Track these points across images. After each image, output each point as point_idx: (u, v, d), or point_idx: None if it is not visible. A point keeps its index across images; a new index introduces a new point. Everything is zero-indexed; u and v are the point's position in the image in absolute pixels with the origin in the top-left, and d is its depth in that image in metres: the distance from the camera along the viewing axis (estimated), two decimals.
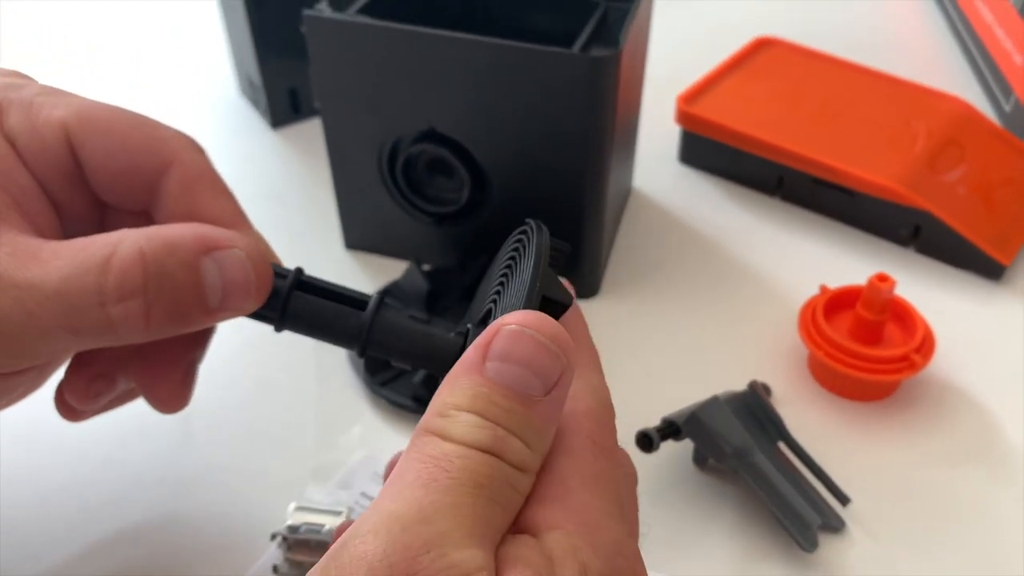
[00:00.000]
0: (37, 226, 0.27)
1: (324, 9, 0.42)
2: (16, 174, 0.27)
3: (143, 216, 0.30)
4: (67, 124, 0.28)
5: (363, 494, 0.38)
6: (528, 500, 0.21)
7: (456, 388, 0.21)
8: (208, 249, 0.25)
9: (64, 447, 0.39)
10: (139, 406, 0.32)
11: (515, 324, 0.21)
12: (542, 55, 0.39)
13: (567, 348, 0.21)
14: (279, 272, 0.28)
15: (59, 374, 0.31)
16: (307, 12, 0.42)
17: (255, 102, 0.61)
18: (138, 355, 0.29)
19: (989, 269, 0.48)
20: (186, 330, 0.26)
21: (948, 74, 0.64)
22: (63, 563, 0.35)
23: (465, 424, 0.20)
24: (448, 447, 0.20)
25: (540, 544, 0.20)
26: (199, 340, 0.31)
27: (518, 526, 0.21)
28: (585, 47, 0.44)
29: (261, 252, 0.27)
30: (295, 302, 0.27)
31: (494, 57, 0.40)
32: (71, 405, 0.30)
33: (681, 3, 0.71)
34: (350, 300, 0.28)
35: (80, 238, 0.26)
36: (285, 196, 0.55)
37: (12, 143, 0.28)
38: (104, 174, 0.28)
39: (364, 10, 0.44)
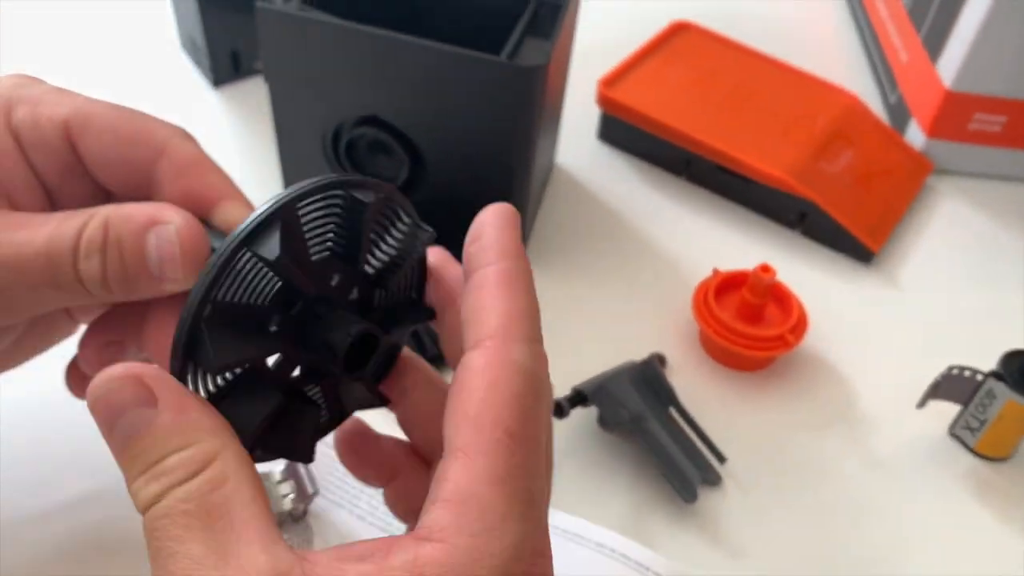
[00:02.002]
0: (28, 209, 0.31)
1: (276, 1, 0.45)
2: (13, 164, 0.31)
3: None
4: (67, 120, 0.31)
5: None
6: (433, 502, 0.23)
7: None
8: (154, 222, 0.29)
9: (57, 435, 0.43)
10: None
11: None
12: (475, 60, 0.43)
13: (135, 371, 0.24)
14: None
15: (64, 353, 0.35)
16: (259, 4, 0.44)
17: (197, 61, 0.63)
18: (149, 323, 0.31)
19: (861, 254, 0.55)
20: (141, 293, 0.30)
21: (849, 66, 0.70)
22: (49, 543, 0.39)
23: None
24: None
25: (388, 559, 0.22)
26: None
27: (418, 530, 0.23)
28: (519, 42, 0.48)
29: (195, 228, 0.29)
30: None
31: (431, 58, 0.44)
32: (81, 379, 0.33)
33: None
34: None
35: (68, 211, 0.30)
36: (227, 157, 0.56)
37: (16, 136, 0.31)
38: (102, 165, 0.31)
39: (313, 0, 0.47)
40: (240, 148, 0.58)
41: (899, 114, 0.63)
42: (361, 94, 0.47)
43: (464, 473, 0.23)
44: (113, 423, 0.24)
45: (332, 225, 0.27)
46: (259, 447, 0.27)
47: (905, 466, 0.46)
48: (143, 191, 0.32)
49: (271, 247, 0.24)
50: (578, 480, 0.44)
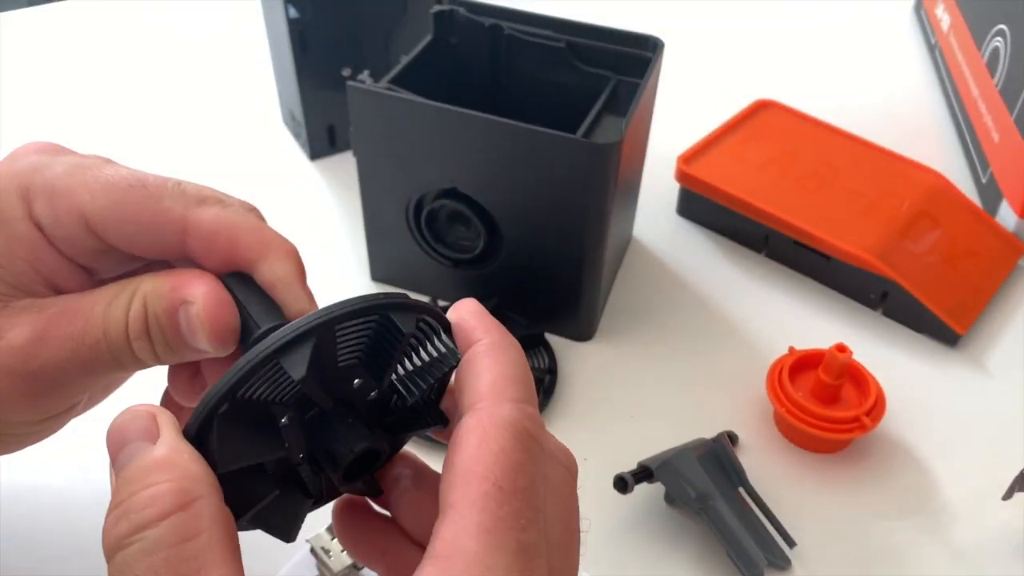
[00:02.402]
0: (71, 288, 0.32)
1: (365, 79, 0.48)
2: (44, 254, 0.31)
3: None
4: (86, 215, 0.30)
5: None
6: (425, 559, 0.23)
7: None
8: (179, 302, 0.30)
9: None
10: None
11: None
12: (551, 138, 0.45)
13: (151, 409, 0.25)
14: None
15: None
16: (350, 83, 0.47)
17: (296, 134, 0.66)
18: (203, 363, 0.33)
19: (945, 336, 0.53)
20: (189, 359, 0.31)
21: (938, 146, 0.69)
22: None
23: None
24: None
25: None
26: None
27: None
28: (596, 119, 0.50)
29: (216, 303, 0.29)
30: None
31: (508, 135, 0.46)
32: (178, 410, 0.34)
33: (692, 64, 0.76)
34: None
35: (107, 287, 0.31)
36: (319, 224, 0.61)
37: (40, 228, 0.31)
38: (129, 248, 0.32)
39: (399, 77, 0.49)
40: (332, 217, 0.61)
41: (990, 194, 0.62)
42: (442, 167, 0.49)
43: (452, 527, 0.23)
44: (116, 453, 0.24)
45: (365, 339, 0.27)
46: (245, 519, 0.27)
47: (988, 560, 0.44)
48: (175, 257, 0.32)
49: (299, 367, 0.24)
50: (642, 555, 0.43)
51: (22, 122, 0.68)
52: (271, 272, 0.30)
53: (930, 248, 0.56)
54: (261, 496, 0.27)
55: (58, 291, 0.32)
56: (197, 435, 0.25)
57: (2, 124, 0.68)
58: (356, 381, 0.27)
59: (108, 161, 0.32)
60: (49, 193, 0.30)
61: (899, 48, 0.82)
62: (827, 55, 0.81)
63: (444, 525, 0.23)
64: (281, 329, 0.25)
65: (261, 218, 0.32)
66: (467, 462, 0.24)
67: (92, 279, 0.33)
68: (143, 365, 0.31)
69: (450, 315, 0.28)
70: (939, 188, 0.59)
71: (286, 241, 0.31)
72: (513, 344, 0.27)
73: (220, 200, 0.31)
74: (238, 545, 0.24)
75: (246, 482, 0.26)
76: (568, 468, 0.27)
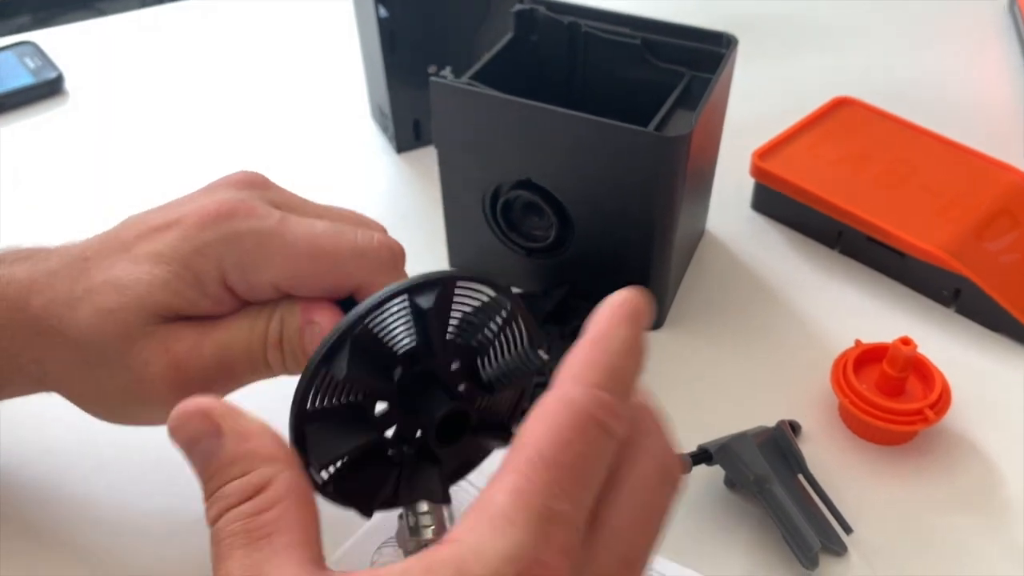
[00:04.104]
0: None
1: (447, 75, 0.51)
2: (226, 305, 0.37)
3: None
4: (276, 284, 0.36)
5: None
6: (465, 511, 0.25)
7: None
8: (308, 323, 0.36)
9: None
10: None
11: None
12: (623, 131, 0.47)
13: (201, 405, 0.28)
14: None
15: None
16: (433, 78, 0.50)
17: (384, 128, 0.70)
18: None
19: (1019, 335, 0.53)
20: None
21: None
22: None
23: None
24: None
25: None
26: None
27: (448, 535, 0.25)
28: (669, 113, 0.51)
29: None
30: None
31: (582, 128, 0.48)
32: None
33: (775, 60, 0.77)
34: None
35: (250, 309, 0.37)
36: (403, 213, 0.64)
37: (232, 292, 0.37)
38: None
39: (480, 73, 0.52)
40: (416, 208, 0.64)
41: None
42: (518, 160, 0.51)
43: (491, 487, 0.25)
44: (191, 451, 0.28)
45: (406, 323, 0.30)
46: (333, 483, 0.30)
47: None
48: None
49: (341, 365, 0.28)
50: (698, 535, 0.45)
51: (135, 117, 0.74)
52: None
53: (1008, 247, 0.55)
54: (355, 451, 0.30)
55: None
56: (296, 441, 0.29)
57: (116, 119, 0.73)
58: (453, 365, 0.31)
59: (288, 219, 0.37)
60: (241, 269, 0.36)
61: (991, 45, 0.81)
62: (915, 51, 0.81)
63: (490, 481, 0.25)
64: (320, 344, 0.29)
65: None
66: (523, 433, 0.25)
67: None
68: (272, 373, 0.37)
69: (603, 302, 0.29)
70: (1021, 186, 0.58)
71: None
72: (621, 335, 0.27)
73: (397, 267, 0.38)
74: (312, 511, 0.27)
75: (347, 435, 0.30)
76: (664, 467, 0.28)
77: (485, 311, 0.32)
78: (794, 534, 0.42)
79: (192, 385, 0.35)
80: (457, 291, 0.31)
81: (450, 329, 0.31)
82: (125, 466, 0.46)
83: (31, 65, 0.75)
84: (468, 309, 0.31)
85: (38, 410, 0.42)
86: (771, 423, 0.47)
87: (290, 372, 0.37)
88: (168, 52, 0.82)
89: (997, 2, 0.85)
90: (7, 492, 0.45)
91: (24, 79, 0.74)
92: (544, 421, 0.25)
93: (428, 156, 0.68)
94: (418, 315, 0.30)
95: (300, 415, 0.29)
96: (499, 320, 0.31)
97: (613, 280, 0.53)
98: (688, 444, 0.45)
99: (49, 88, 0.74)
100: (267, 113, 0.74)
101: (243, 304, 0.37)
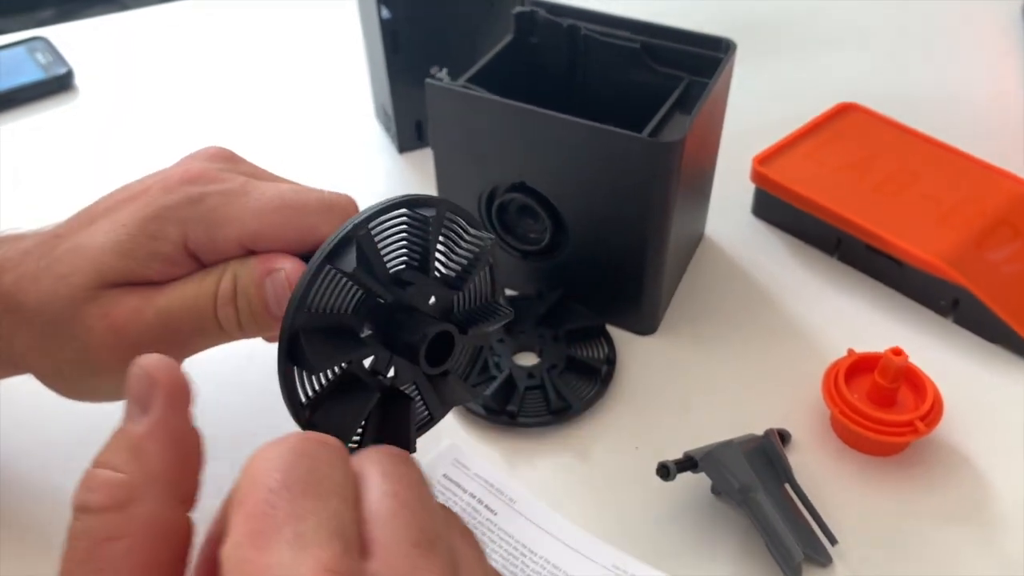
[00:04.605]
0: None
1: (443, 78, 0.51)
2: (181, 266, 0.36)
3: None
4: (241, 241, 0.35)
5: (445, 476, 0.46)
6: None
7: None
8: (269, 271, 0.35)
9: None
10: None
11: None
12: (616, 135, 0.47)
13: (157, 366, 0.25)
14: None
15: None
16: (428, 80, 0.50)
17: (387, 128, 0.70)
18: None
19: (1017, 346, 0.52)
20: (268, 331, 0.36)
21: None
22: None
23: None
24: None
25: None
26: None
27: None
28: (666, 117, 0.51)
29: (302, 269, 0.33)
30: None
31: (576, 132, 0.48)
32: None
33: (778, 64, 0.76)
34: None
35: (200, 272, 0.36)
36: None
37: (194, 255, 0.36)
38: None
39: (479, 75, 0.52)
40: None
41: None
42: (513, 162, 0.51)
43: (229, 550, 0.22)
44: (126, 406, 0.25)
45: (404, 241, 0.31)
46: (310, 410, 0.30)
47: None
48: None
49: (349, 261, 0.29)
50: (682, 543, 0.44)
51: (143, 113, 0.74)
52: None
53: (1009, 257, 0.55)
54: (369, 414, 0.31)
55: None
56: (288, 353, 0.29)
57: (124, 115, 0.74)
58: (411, 286, 0.31)
59: (253, 181, 0.37)
60: (205, 226, 0.35)
61: (1002, 51, 0.80)
62: (922, 56, 0.80)
63: (223, 552, 0.22)
64: (325, 242, 0.29)
65: None
66: (239, 487, 0.23)
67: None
68: (226, 336, 0.36)
69: None
70: (1021, 195, 0.58)
71: None
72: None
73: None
74: (169, 556, 0.24)
75: (355, 404, 0.30)
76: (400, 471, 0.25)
77: (468, 251, 0.33)
78: (777, 544, 0.42)
79: (135, 351, 0.29)
80: (445, 223, 0.32)
81: (392, 260, 0.31)
82: None
83: (42, 61, 0.76)
84: (454, 245, 0.33)
85: (37, 408, 0.42)
86: (761, 432, 0.47)
87: (244, 332, 0.36)
88: (177, 50, 0.83)
89: (1010, 6, 0.84)
90: (6, 489, 0.46)
91: (34, 74, 0.75)
92: (256, 466, 0.23)
93: (430, 157, 0.67)
94: (418, 226, 0.31)
95: (298, 314, 0.28)
96: (478, 262, 0.33)
97: (607, 283, 0.54)
98: (677, 451, 0.45)
99: (59, 84, 0.75)
100: (273, 112, 0.74)
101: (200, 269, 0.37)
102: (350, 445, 0.31)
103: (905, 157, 0.61)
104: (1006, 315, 0.52)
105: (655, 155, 0.47)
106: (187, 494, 0.25)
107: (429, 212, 0.31)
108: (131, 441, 0.24)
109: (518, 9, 0.56)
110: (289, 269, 0.34)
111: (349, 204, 0.37)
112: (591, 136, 0.47)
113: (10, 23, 1.10)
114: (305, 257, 0.35)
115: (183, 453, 0.25)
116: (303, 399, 0.30)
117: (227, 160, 0.39)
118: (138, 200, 0.36)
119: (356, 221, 0.29)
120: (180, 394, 0.25)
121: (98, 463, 0.24)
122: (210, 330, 0.35)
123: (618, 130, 0.47)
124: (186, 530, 0.24)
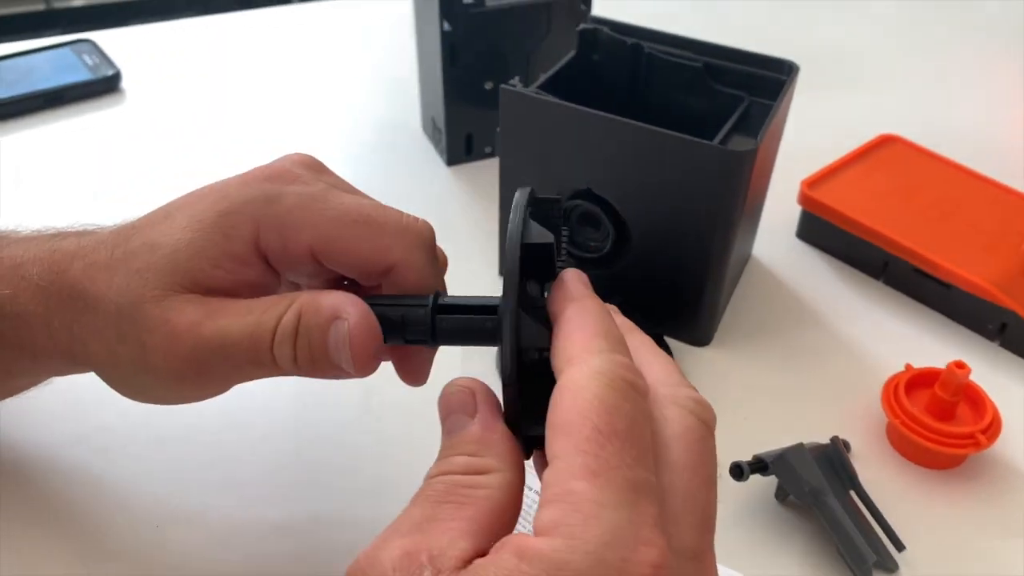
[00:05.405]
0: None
1: (517, 84, 0.52)
2: (252, 274, 0.35)
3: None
4: (312, 248, 0.35)
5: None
6: (539, 504, 0.25)
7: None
8: (336, 317, 0.33)
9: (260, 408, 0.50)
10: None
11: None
12: (688, 143, 0.48)
13: (471, 385, 0.30)
14: (419, 303, 0.34)
15: None
16: (503, 86, 0.51)
17: (435, 141, 0.71)
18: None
19: None
20: (323, 374, 0.34)
21: None
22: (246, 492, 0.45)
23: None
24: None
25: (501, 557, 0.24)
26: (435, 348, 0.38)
27: (533, 528, 0.25)
28: (727, 136, 0.52)
29: (367, 324, 0.33)
30: (438, 323, 0.34)
31: (646, 139, 0.49)
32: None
33: (822, 95, 0.78)
34: (476, 309, 0.33)
35: (270, 297, 0.34)
36: (454, 225, 0.65)
37: (261, 254, 0.35)
38: (340, 272, 0.37)
39: (548, 83, 0.53)
40: (465, 220, 0.65)
41: None
42: (580, 169, 0.52)
43: (560, 474, 0.25)
44: (445, 417, 0.30)
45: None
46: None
47: None
48: (376, 282, 0.37)
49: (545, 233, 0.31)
50: (750, 545, 0.45)
51: (189, 119, 0.75)
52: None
53: None
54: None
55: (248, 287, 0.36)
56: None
57: (170, 120, 0.75)
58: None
59: (334, 190, 0.36)
60: (279, 227, 0.35)
61: None
62: (965, 92, 0.82)
63: (552, 474, 0.25)
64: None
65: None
66: (565, 414, 0.26)
67: (279, 279, 0.37)
68: (278, 371, 0.34)
69: (559, 280, 0.31)
70: None
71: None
72: (598, 306, 0.30)
73: (434, 251, 0.37)
74: (505, 520, 0.27)
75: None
76: (700, 417, 0.28)
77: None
78: (849, 547, 0.43)
79: (186, 363, 0.33)
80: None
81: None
82: (123, 456, 0.46)
83: (89, 62, 0.77)
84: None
85: (38, 405, 0.42)
86: (820, 440, 0.48)
87: (298, 370, 0.34)
88: (225, 59, 0.84)
89: None
90: (10, 483, 0.45)
91: (82, 74, 0.75)
92: (582, 396, 0.26)
93: (477, 170, 0.69)
94: (557, 222, 0.33)
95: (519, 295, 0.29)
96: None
97: (666, 293, 0.55)
98: (736, 457, 0.46)
99: (106, 85, 0.75)
100: (319, 123, 0.75)
101: (271, 276, 0.36)
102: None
103: (946, 187, 0.63)
104: None
105: (727, 164, 0.48)
106: (523, 473, 0.29)
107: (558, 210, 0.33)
108: (474, 436, 0.29)
109: (582, 26, 0.58)
110: (354, 322, 0.33)
111: (425, 229, 0.36)
112: (663, 144, 0.48)
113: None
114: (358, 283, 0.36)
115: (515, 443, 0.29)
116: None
117: (311, 168, 0.38)
118: (215, 194, 0.36)
119: (523, 203, 0.32)
120: (493, 398, 0.30)
121: (448, 452, 0.29)
122: (263, 362, 0.34)
123: (691, 138, 0.48)
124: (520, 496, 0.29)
